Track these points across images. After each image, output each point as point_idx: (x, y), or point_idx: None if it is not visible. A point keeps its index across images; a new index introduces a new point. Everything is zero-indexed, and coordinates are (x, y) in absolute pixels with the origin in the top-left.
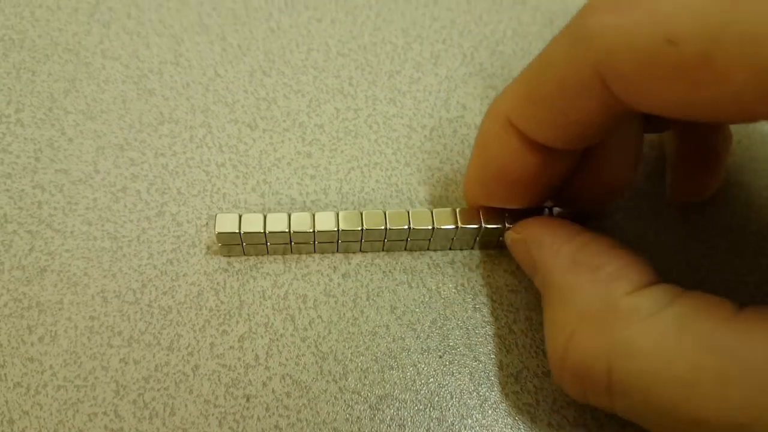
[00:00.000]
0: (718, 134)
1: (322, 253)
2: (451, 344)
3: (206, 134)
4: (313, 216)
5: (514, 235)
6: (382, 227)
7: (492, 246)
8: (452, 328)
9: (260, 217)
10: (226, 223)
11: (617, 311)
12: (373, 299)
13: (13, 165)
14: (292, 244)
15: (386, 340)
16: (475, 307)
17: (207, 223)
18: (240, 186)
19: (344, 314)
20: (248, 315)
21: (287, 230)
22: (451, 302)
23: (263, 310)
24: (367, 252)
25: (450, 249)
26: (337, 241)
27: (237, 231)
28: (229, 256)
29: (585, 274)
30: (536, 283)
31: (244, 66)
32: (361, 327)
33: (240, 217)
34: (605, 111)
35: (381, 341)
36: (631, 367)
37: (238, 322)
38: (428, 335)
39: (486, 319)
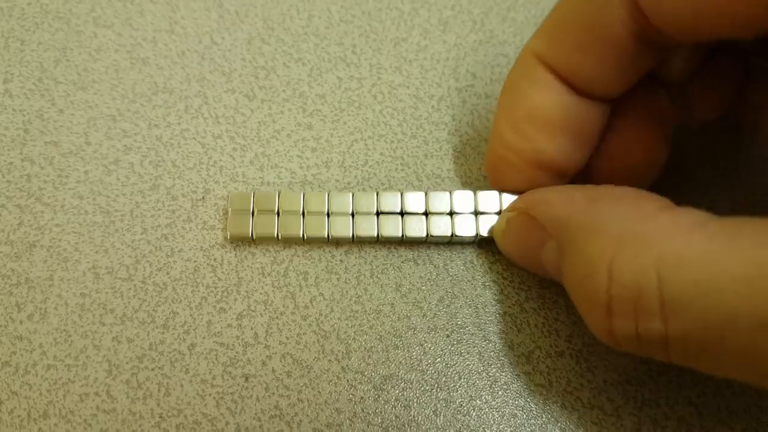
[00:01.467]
0: None
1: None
2: (459, 323)
3: (202, 105)
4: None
5: (509, 213)
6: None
7: None
8: (460, 306)
9: (273, 218)
10: (239, 225)
11: (657, 225)
12: (377, 276)
13: (1, 137)
14: (304, 215)
15: (391, 319)
16: (484, 285)
17: (203, 197)
18: (237, 159)
19: (347, 292)
20: (247, 292)
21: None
22: (459, 279)
23: (262, 287)
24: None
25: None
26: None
27: (248, 234)
28: (235, 241)
29: (610, 203)
30: (546, 254)
31: (242, 33)
32: (364, 305)
33: (252, 217)
34: (631, 28)
35: (385, 320)
36: (684, 277)
37: (236, 299)
38: (435, 314)
39: (496, 297)
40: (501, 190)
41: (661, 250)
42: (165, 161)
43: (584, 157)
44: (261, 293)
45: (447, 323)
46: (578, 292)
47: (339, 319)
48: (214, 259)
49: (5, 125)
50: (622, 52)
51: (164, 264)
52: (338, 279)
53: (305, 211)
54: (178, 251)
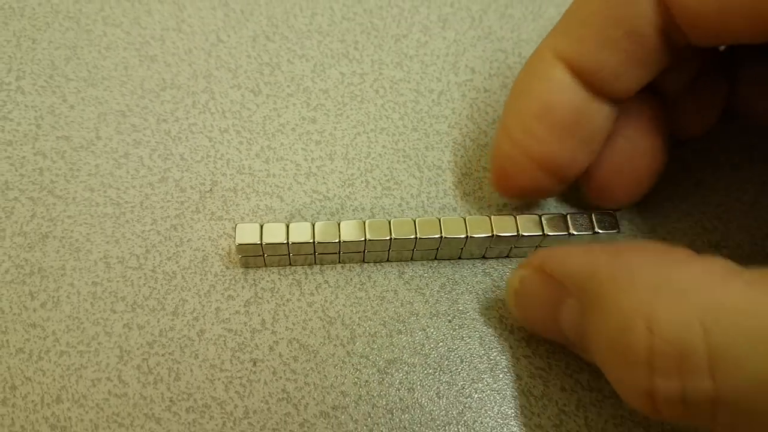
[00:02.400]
0: None
1: (346, 263)
2: (460, 308)
3: (209, 100)
4: (339, 225)
5: (523, 271)
6: (413, 236)
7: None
8: (461, 292)
9: (282, 227)
10: (247, 235)
11: (692, 274)
12: (380, 264)
13: (14, 132)
14: (316, 254)
15: (394, 305)
16: (484, 272)
17: (210, 189)
18: (244, 152)
19: (351, 279)
20: (254, 280)
21: (311, 240)
22: (460, 266)
23: (269, 275)
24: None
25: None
26: (364, 251)
27: (258, 242)
28: (247, 267)
29: (635, 254)
30: (565, 314)
31: (247, 31)
32: (368, 292)
33: (261, 227)
34: (656, 25)
35: (389, 306)
36: (731, 327)
37: (243, 287)
38: (437, 300)
39: (496, 284)
40: (503, 191)
41: (703, 300)
42: (173, 154)
43: (586, 162)
44: (267, 281)
45: (449, 309)
46: (611, 350)
47: (344, 305)
48: (222, 248)
49: (18, 121)
50: (646, 49)
51: (173, 253)
52: (342, 267)
53: (316, 250)
54: (187, 241)
